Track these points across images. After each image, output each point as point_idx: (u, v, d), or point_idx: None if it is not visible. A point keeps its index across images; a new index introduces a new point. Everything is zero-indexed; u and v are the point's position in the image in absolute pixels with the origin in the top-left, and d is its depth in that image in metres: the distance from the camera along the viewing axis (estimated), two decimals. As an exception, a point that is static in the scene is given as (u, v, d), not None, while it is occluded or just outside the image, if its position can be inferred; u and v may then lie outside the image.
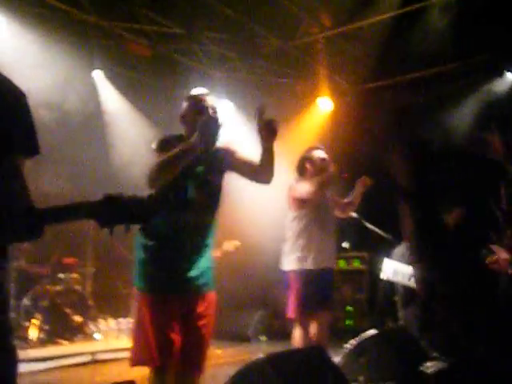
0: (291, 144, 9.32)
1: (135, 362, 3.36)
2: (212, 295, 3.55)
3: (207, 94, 3.60)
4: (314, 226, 5.23)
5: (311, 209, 5.24)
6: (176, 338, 3.30)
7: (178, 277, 3.39)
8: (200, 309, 3.44)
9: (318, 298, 5.14)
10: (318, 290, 5.15)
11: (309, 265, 5.15)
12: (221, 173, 3.59)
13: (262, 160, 3.47)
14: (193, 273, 3.40)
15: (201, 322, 3.43)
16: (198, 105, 3.52)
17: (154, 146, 3.43)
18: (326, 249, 5.26)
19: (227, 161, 3.58)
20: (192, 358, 3.41)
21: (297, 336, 5.23)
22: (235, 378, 3.54)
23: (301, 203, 5.25)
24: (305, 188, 5.22)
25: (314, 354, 3.98)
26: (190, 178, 3.41)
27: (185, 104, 3.60)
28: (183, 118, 3.57)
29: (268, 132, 3.37)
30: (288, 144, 9.26)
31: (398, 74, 8.68)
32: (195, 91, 3.65)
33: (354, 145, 8.93)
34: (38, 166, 9.07)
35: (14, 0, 6.74)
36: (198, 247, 3.46)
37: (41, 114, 7.45)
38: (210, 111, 3.48)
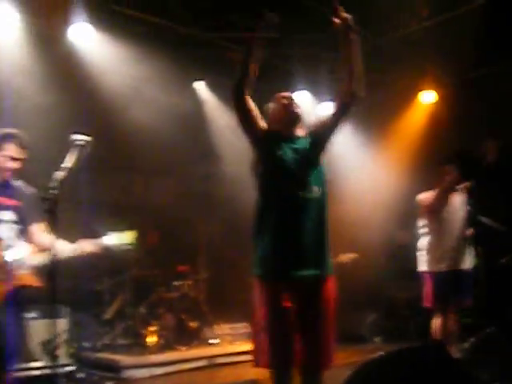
0: (397, 141, 9.19)
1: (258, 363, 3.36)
2: (328, 282, 3.48)
3: (289, 93, 3.67)
4: (444, 231, 5.90)
5: (438, 215, 5.90)
6: (293, 335, 3.28)
7: (289, 263, 3.32)
8: (315, 296, 3.40)
9: (450, 294, 5.82)
10: (451, 288, 5.81)
11: (441, 267, 5.85)
12: (315, 146, 3.55)
13: (347, 61, 3.48)
14: (304, 259, 3.34)
15: (317, 312, 3.39)
16: (278, 101, 3.63)
17: None
18: (456, 251, 5.89)
19: (316, 134, 3.58)
20: (313, 353, 3.37)
21: (434, 324, 5.89)
22: (353, 377, 3.48)
23: (429, 211, 5.97)
24: (430, 197, 5.93)
25: (433, 351, 3.86)
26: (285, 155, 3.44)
27: (271, 104, 3.70)
28: (270, 118, 3.63)
29: (345, 26, 3.48)
30: (393, 141, 9.16)
31: (503, 61, 8.30)
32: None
33: (459, 136, 8.67)
34: (148, 182, 9.42)
35: (116, 21, 6.99)
36: (308, 226, 3.35)
37: (148, 129, 7.71)
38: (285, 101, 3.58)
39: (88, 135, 3.80)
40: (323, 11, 7.17)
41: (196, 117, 8.78)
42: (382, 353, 3.44)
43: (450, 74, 9.03)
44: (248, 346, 7.22)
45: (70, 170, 3.60)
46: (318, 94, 9.04)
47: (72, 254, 3.94)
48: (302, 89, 8.88)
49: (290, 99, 3.60)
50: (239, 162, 8.78)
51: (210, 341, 7.58)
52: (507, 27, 7.35)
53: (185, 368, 6.85)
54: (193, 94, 8.64)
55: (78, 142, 3.70)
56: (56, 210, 3.50)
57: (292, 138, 3.51)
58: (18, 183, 4.14)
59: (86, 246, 3.99)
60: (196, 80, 8.59)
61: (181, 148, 8.50)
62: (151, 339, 7.15)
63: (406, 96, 9.26)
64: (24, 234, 4.05)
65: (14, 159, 3.99)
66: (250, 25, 7.41)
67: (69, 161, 3.62)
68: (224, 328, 7.70)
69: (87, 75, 7.18)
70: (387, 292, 8.92)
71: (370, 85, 9.17)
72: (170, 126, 8.01)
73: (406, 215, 7.33)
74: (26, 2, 6.38)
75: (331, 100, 9.05)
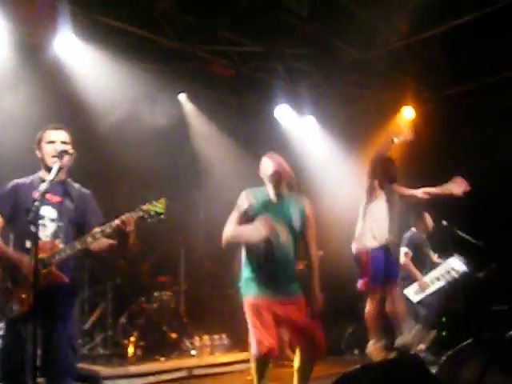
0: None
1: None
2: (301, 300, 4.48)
3: (275, 160, 4.46)
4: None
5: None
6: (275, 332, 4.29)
7: (274, 286, 4.39)
8: (293, 310, 4.38)
9: (383, 273, 6.10)
10: (383, 266, 6.11)
11: (370, 244, 6.20)
12: (300, 219, 4.45)
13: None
14: (283, 285, 4.44)
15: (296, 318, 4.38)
16: (266, 169, 4.45)
17: (240, 200, 4.40)
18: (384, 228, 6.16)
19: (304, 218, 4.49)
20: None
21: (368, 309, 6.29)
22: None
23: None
24: None
25: (410, 364, 3.91)
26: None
27: (261, 165, 4.51)
28: (261, 176, 4.51)
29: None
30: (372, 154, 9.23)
31: (480, 79, 8.43)
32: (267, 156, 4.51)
33: (437, 152, 8.80)
34: (130, 194, 9.38)
35: (99, 32, 7.01)
36: (285, 272, 4.44)
37: (131, 141, 7.72)
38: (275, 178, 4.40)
39: (72, 147, 3.85)
40: (307, 27, 7.33)
41: (180, 129, 8.83)
42: (359, 365, 3.50)
43: (429, 91, 9.16)
44: (226, 358, 7.31)
45: (52, 181, 3.62)
46: (298, 108, 9.14)
47: (110, 231, 3.81)
48: (283, 102, 8.98)
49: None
50: (220, 173, 8.87)
51: (190, 352, 7.58)
52: (485, 46, 7.48)
53: (164, 379, 6.84)
54: (177, 106, 8.69)
55: (61, 155, 3.74)
56: (38, 221, 3.51)
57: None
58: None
59: (123, 221, 3.80)
60: (180, 92, 8.65)
61: (163, 160, 8.52)
62: (131, 350, 7.14)
63: (388, 111, 9.35)
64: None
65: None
66: (233, 38, 7.54)
67: (52, 173, 3.64)
68: (203, 339, 7.70)
69: (70, 85, 7.19)
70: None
71: (355, 99, 9.29)
72: (153, 137, 8.04)
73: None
74: (12, 9, 6.32)
75: (311, 114, 9.21)
